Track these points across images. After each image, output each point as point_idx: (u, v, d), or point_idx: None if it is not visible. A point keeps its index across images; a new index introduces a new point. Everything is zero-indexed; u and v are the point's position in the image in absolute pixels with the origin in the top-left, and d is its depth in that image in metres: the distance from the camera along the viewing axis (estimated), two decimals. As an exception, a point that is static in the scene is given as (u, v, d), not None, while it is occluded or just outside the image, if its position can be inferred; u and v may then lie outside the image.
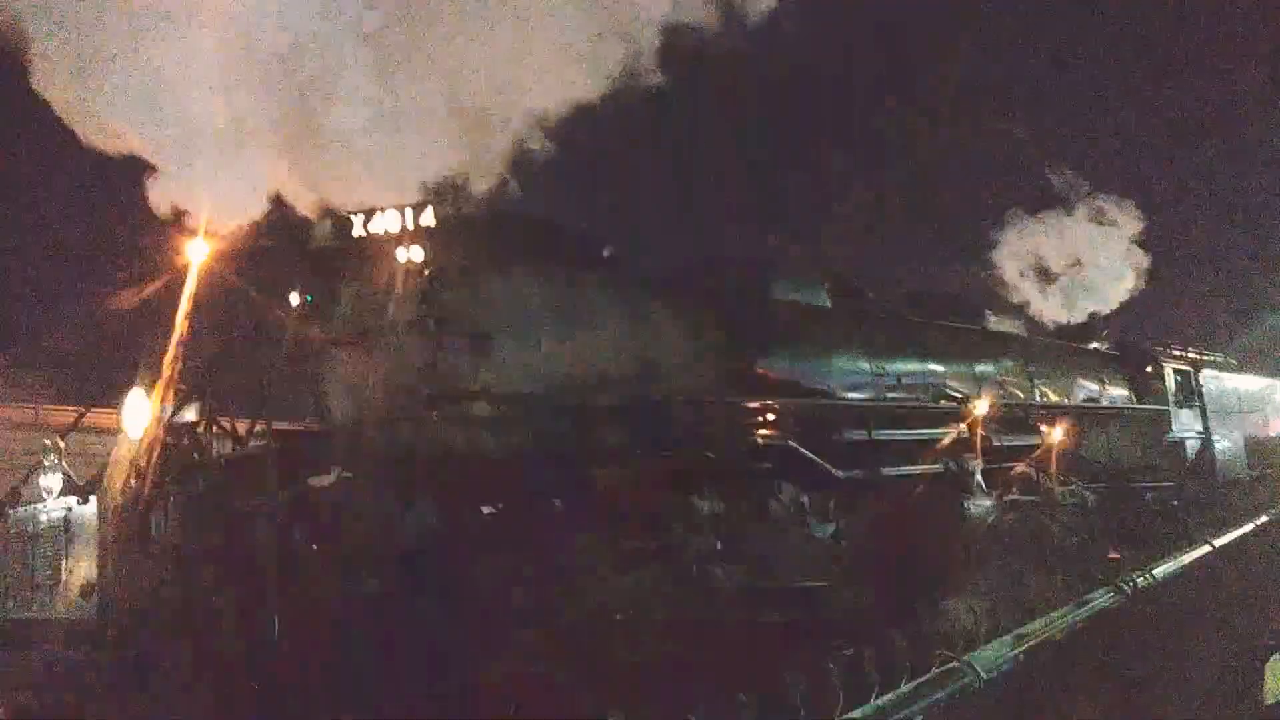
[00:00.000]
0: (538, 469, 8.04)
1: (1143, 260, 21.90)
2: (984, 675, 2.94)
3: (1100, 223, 21.47)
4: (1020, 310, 19.08)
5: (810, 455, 10.03)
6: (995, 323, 15.44)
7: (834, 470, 10.22)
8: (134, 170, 7.48)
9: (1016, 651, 3.21)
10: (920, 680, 2.62)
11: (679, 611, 8.19)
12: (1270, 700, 5.87)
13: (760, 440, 9.85)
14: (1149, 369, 18.76)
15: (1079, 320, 20.57)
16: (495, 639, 7.17)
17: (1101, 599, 4.13)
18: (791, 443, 9.97)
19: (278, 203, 7.86)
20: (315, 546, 6.89)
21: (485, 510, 7.80)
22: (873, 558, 10.16)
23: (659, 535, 8.63)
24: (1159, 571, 4.72)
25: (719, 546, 8.91)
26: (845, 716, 2.17)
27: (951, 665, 2.82)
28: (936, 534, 10.98)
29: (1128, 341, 19.89)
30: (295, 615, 6.46)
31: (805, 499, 10.06)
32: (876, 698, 2.54)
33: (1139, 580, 4.35)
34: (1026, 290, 20.68)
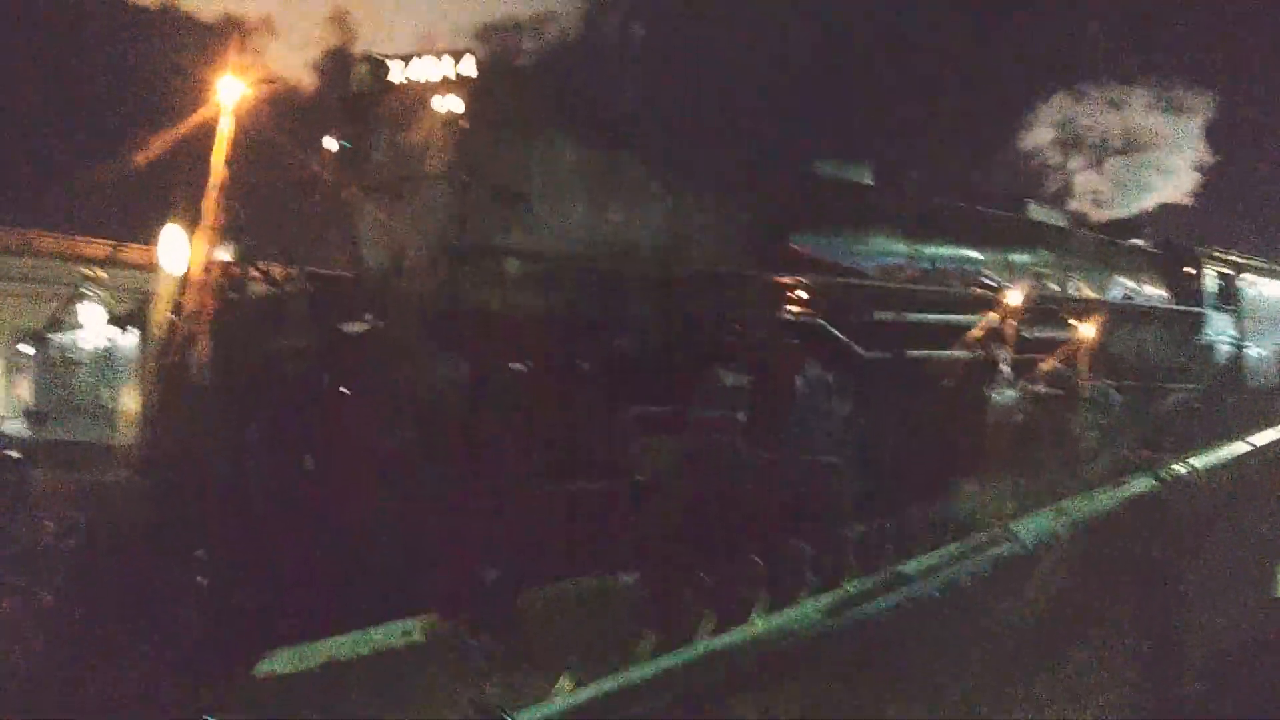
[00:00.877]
0: (566, 332, 8.07)
1: (1207, 156, 20.73)
2: (1029, 544, 3.02)
3: (1166, 108, 20.29)
4: (1063, 200, 18.56)
5: (837, 334, 10.00)
6: (1036, 212, 15.02)
7: (860, 350, 10.19)
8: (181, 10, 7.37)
9: (1059, 524, 3.28)
10: (967, 543, 2.70)
11: (698, 480, 8.32)
12: None
13: (789, 316, 9.81)
14: (1189, 270, 18.34)
15: (1125, 214, 19.98)
16: (515, 494, 7.34)
17: (1140, 484, 4.21)
18: (820, 320, 9.93)
19: (319, 44, 7.73)
20: (343, 390, 7.01)
21: (513, 367, 7.87)
22: (892, 439, 10.23)
23: (684, 406, 8.68)
24: (1198, 462, 4.79)
25: (740, 419, 8.99)
26: (894, 568, 2.26)
27: (995, 532, 2.90)
28: (958, 420, 11.01)
29: (1171, 240, 19.36)
30: (324, 454, 6.65)
31: (830, 377, 10.05)
32: (923, 555, 2.64)
33: (1178, 469, 4.42)
34: (1072, 177, 20.00)
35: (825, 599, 2.23)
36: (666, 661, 1.78)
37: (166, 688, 5.88)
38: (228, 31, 7.38)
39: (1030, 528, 3.23)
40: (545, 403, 7.76)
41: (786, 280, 9.98)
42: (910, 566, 2.56)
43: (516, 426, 7.57)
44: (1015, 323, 12.33)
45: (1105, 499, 4.02)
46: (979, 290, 12.59)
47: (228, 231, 7.49)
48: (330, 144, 8.41)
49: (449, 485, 7.04)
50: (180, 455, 6.69)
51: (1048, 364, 12.98)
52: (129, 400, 7.02)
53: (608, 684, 1.65)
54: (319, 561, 6.45)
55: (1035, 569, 3.31)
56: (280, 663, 6.16)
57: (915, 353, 11.01)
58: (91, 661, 6.12)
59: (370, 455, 6.87)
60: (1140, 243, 18.39)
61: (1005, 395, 11.74)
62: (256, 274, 7.98)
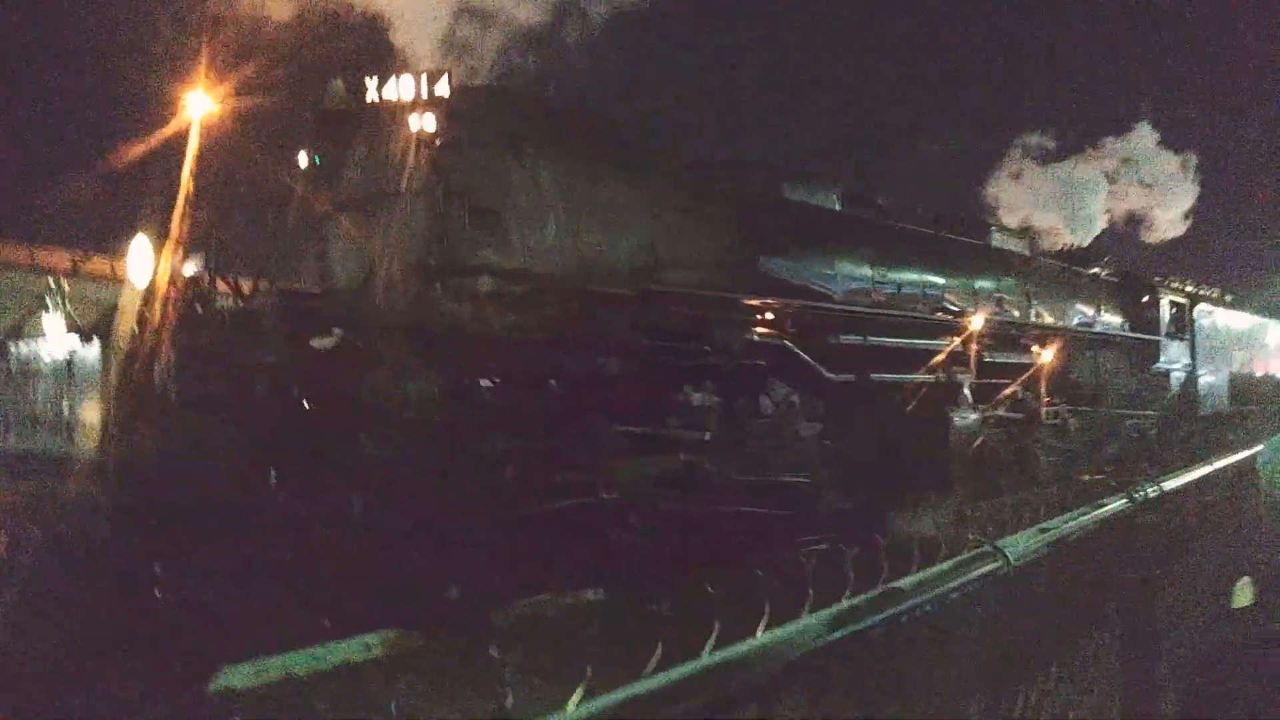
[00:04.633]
0: (538, 350, 8.07)
1: (1190, 191, 21.50)
2: (1014, 561, 3.04)
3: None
4: (1025, 230, 18.92)
5: (804, 356, 10.10)
6: (1000, 240, 15.31)
7: (826, 372, 10.31)
8: (148, 20, 7.32)
9: (1043, 542, 3.30)
10: (957, 559, 2.71)
11: (669, 499, 8.33)
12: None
13: (757, 338, 9.89)
14: (1145, 299, 18.75)
15: (1084, 243, 20.43)
16: (490, 512, 7.30)
17: (1116, 504, 4.30)
18: (787, 342, 10.03)
19: (295, 60, 7.71)
20: (312, 405, 6.94)
21: (484, 385, 7.84)
22: (858, 460, 10.31)
23: (654, 425, 8.69)
24: (1168, 485, 4.91)
25: (709, 438, 9.02)
26: (889, 584, 2.28)
27: (984, 549, 2.89)
28: (922, 442, 11.12)
29: (1129, 269, 19.83)
30: (292, 469, 6.57)
31: (796, 398, 10.14)
32: (917, 570, 2.66)
33: (1150, 491, 4.53)
34: (1034, 208, 20.48)
35: (826, 613, 2.23)
36: (676, 673, 1.76)
37: (121, 703, 5.75)
38: (202, 44, 7.32)
39: (1015, 546, 3.27)
40: (516, 420, 7.73)
41: (755, 302, 10.08)
42: (905, 582, 2.57)
43: (487, 443, 7.53)
44: (977, 347, 12.56)
45: (1085, 518, 4.10)
46: (943, 315, 12.78)
47: (196, 245, 7.42)
48: (303, 159, 8.37)
49: (417, 499, 6.98)
50: (142, 467, 6.58)
51: (1009, 388, 13.18)
52: (90, 412, 6.90)
53: (618, 695, 1.63)
54: (282, 575, 6.37)
55: (1021, 583, 3.37)
56: (237, 677, 6.05)
57: (881, 375, 11.15)
58: (40, 675, 5.95)
59: (337, 469, 6.80)
60: (1099, 272, 18.78)
61: (968, 418, 11.91)
62: (225, 287, 7.91)
